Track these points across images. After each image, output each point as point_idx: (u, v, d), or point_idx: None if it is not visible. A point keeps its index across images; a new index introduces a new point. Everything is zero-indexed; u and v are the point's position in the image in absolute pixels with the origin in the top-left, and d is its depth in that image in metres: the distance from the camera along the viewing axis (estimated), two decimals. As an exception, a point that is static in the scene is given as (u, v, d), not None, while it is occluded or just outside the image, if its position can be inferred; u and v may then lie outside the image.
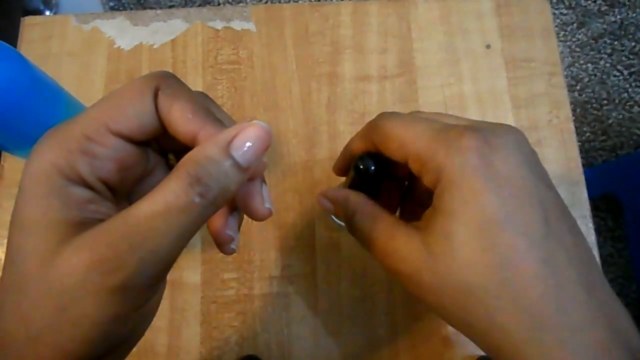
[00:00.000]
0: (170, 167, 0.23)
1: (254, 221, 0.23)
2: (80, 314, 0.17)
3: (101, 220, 0.18)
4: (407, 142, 0.23)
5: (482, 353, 0.42)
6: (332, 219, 0.44)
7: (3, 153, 0.48)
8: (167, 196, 0.17)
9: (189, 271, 0.44)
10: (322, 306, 0.43)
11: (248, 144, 0.19)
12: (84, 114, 0.19)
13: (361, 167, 0.26)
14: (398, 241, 0.23)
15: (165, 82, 0.20)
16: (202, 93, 0.22)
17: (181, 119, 0.20)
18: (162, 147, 0.23)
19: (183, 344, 0.42)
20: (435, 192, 0.22)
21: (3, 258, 0.44)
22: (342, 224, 0.44)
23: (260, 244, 0.45)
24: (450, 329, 0.43)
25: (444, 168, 0.21)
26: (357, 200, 0.26)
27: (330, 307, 0.43)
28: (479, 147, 0.21)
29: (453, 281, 0.20)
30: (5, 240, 0.46)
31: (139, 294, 0.18)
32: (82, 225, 0.18)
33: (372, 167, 0.26)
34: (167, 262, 0.18)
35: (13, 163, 0.47)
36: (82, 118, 0.19)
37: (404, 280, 0.23)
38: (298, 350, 0.42)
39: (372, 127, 0.26)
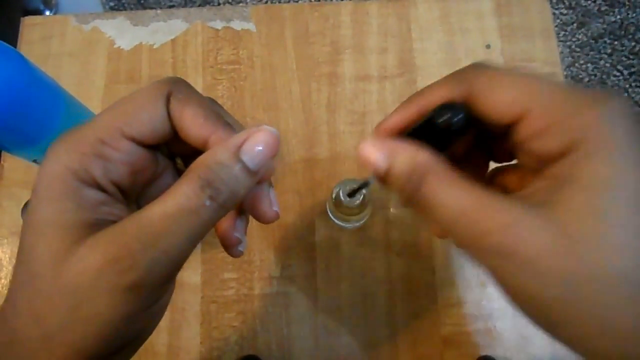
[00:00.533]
0: (178, 171, 0.24)
1: (254, 221, 0.23)
2: (93, 313, 0.17)
3: (113, 222, 0.18)
4: (529, 96, 0.19)
5: (482, 353, 0.42)
6: (332, 219, 0.44)
7: (3, 153, 0.48)
8: (179, 198, 0.18)
9: (189, 271, 0.44)
10: (322, 306, 0.43)
11: (258, 148, 0.19)
12: (97, 118, 0.20)
13: (446, 120, 0.21)
14: (508, 216, 0.18)
15: (177, 88, 0.21)
16: (210, 98, 0.23)
17: (193, 124, 0.20)
18: (171, 151, 0.23)
19: (183, 343, 0.42)
20: (567, 159, 0.18)
21: (3, 258, 0.44)
22: (342, 224, 0.44)
23: (260, 244, 0.45)
24: (450, 329, 0.43)
25: (589, 131, 0.18)
26: (430, 158, 0.20)
27: (330, 307, 0.43)
28: (633, 115, 0.18)
29: (599, 270, 0.17)
30: (6, 241, 0.46)
31: (150, 293, 0.18)
32: (96, 226, 0.18)
33: (463, 121, 0.21)
34: (177, 262, 0.19)
35: (13, 163, 0.47)
36: (96, 122, 0.19)
37: (508, 266, 0.18)
38: (298, 350, 0.42)
39: (468, 74, 0.21)
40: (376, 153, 0.21)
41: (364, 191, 0.38)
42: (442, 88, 0.22)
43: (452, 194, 0.19)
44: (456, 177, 0.20)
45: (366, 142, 0.21)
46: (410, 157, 0.20)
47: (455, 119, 0.21)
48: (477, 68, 0.21)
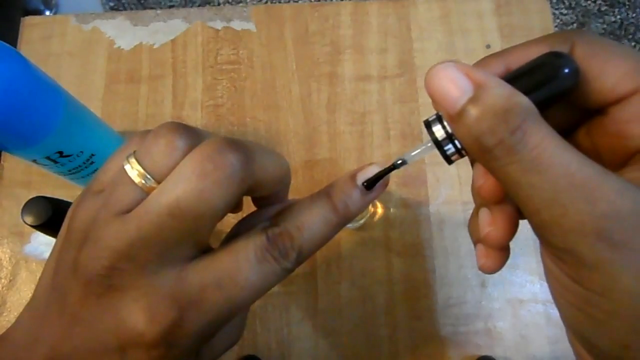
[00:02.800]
0: None
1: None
2: None
3: None
4: None
5: (482, 353, 0.42)
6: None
7: (3, 153, 0.48)
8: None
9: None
10: (322, 306, 0.43)
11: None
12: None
13: (557, 67, 0.17)
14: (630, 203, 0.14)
15: None
16: None
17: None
18: None
19: (183, 344, 0.42)
20: None
21: (3, 258, 0.44)
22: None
23: (260, 244, 0.45)
24: (450, 329, 0.43)
25: None
26: (531, 103, 0.16)
27: (330, 307, 0.43)
28: None
29: None
30: (6, 241, 0.46)
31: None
32: None
33: (575, 75, 0.17)
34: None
35: (13, 163, 0.47)
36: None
37: (618, 259, 0.14)
38: (298, 350, 0.42)
39: (572, 35, 0.18)
40: (461, 78, 0.16)
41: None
42: (540, 45, 0.18)
43: (566, 152, 0.15)
44: (559, 137, 0.15)
45: (445, 64, 0.17)
46: (508, 92, 0.16)
47: (567, 70, 0.16)
48: (583, 33, 0.18)
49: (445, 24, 0.51)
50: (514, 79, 0.17)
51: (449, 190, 0.46)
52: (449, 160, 0.19)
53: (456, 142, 0.18)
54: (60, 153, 0.36)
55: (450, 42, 0.50)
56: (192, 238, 0.17)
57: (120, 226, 0.16)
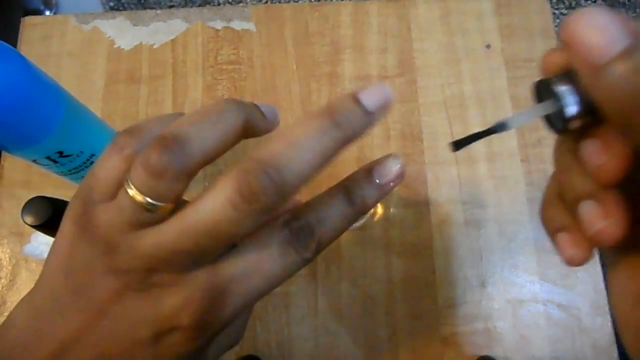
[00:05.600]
0: None
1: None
2: None
3: None
4: None
5: (482, 353, 0.42)
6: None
7: (3, 153, 0.48)
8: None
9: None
10: (322, 306, 0.43)
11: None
12: None
13: None
14: None
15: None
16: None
17: None
18: None
19: (183, 344, 0.42)
20: None
21: (3, 258, 0.44)
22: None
23: (260, 244, 0.45)
24: (450, 329, 0.43)
25: None
26: None
27: (330, 307, 0.43)
28: None
29: None
30: (6, 241, 0.46)
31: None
32: None
33: None
34: None
35: (13, 163, 0.47)
36: None
37: None
38: (298, 350, 0.42)
39: None
40: (613, 24, 0.14)
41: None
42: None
43: None
44: None
45: (592, 8, 0.14)
46: None
47: None
48: None
49: (445, 24, 0.51)
50: None
51: (449, 190, 0.46)
52: (564, 125, 0.16)
53: (583, 105, 0.15)
54: (60, 153, 0.36)
55: (450, 42, 0.50)
56: (226, 246, 0.19)
57: (157, 237, 0.18)
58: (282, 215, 0.20)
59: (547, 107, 0.16)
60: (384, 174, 0.20)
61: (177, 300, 0.18)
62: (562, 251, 0.18)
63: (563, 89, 0.15)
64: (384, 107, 0.20)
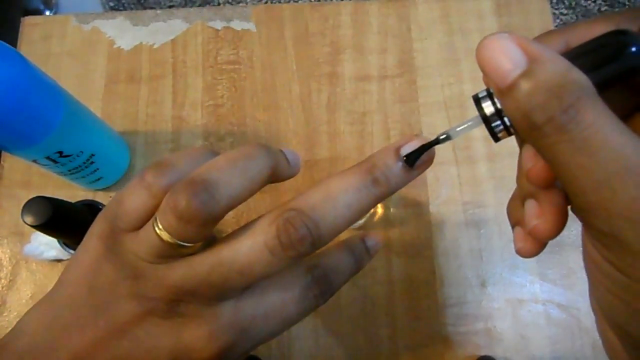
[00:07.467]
0: None
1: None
2: None
3: None
4: None
5: (482, 353, 0.42)
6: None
7: (3, 153, 0.48)
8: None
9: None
10: (322, 306, 0.43)
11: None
12: None
13: (622, 44, 0.16)
14: None
15: None
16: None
17: None
18: None
19: (183, 344, 0.42)
20: None
21: (3, 258, 0.44)
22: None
23: (260, 244, 0.45)
24: (450, 329, 0.43)
25: None
26: (588, 81, 0.15)
27: (330, 307, 0.43)
28: None
29: None
30: (6, 241, 0.46)
31: None
32: None
33: None
34: None
35: (13, 163, 0.47)
36: None
37: None
38: (298, 350, 0.42)
39: None
40: (514, 49, 0.15)
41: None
42: (606, 22, 0.17)
43: (622, 134, 0.14)
44: (616, 117, 0.14)
45: (499, 34, 0.16)
46: (564, 68, 0.15)
47: (634, 49, 0.15)
48: None
49: (445, 24, 0.51)
50: (573, 56, 0.16)
51: (449, 190, 0.46)
52: (495, 137, 0.18)
53: (505, 119, 0.17)
54: (60, 153, 0.36)
55: (450, 42, 0.50)
56: (252, 285, 0.19)
57: (188, 270, 0.18)
58: (305, 261, 0.21)
59: (479, 120, 0.18)
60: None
61: (201, 332, 0.19)
62: (514, 243, 0.19)
63: (488, 105, 0.17)
64: (426, 164, 0.20)
